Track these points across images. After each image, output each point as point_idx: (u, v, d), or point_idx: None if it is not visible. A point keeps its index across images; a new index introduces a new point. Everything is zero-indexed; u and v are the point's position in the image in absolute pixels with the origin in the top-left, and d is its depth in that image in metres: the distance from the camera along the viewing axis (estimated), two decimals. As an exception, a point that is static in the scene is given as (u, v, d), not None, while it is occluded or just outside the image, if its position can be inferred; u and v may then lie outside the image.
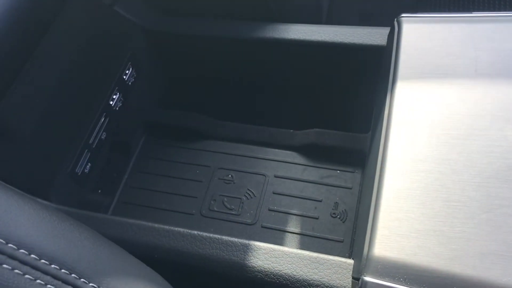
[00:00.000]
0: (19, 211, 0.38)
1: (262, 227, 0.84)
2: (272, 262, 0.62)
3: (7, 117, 0.70)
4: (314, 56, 0.89)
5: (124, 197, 0.93)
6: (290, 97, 1.00)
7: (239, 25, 0.92)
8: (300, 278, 0.60)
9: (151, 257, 0.66)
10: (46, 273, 0.36)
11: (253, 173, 0.91)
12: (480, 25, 0.69)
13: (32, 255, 0.36)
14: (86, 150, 0.85)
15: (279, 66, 0.94)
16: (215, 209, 0.88)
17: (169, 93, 1.08)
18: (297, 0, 1.04)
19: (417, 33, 0.70)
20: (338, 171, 0.88)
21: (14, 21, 0.65)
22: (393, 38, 0.71)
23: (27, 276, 0.35)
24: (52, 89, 0.76)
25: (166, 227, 0.68)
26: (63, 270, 0.37)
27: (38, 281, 0.35)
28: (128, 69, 0.93)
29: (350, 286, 0.58)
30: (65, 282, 0.36)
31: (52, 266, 0.36)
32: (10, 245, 0.35)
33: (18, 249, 0.35)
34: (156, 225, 0.68)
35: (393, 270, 0.51)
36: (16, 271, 0.34)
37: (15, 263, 0.35)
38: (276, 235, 0.83)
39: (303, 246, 0.81)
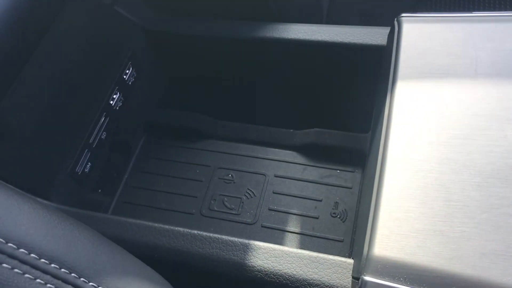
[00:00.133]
0: (19, 210, 0.38)
1: (262, 226, 0.84)
2: (272, 262, 0.62)
3: (7, 116, 0.70)
4: (314, 56, 0.89)
5: (124, 196, 0.93)
6: (290, 96, 1.00)
7: (239, 25, 0.92)
8: (300, 277, 0.60)
9: (151, 257, 0.66)
10: (45, 272, 0.36)
11: (253, 173, 0.91)
12: (480, 25, 0.69)
13: (32, 255, 0.36)
14: (86, 150, 0.85)
15: (279, 66, 0.94)
16: (215, 208, 0.88)
17: (169, 93, 1.08)
18: (297, 0, 1.04)
19: (417, 33, 0.70)
20: (338, 171, 0.88)
21: (14, 21, 0.65)
22: (393, 38, 0.71)
23: (26, 275, 0.35)
24: (52, 89, 0.76)
25: (166, 226, 0.68)
26: (63, 270, 0.37)
27: (38, 280, 0.35)
28: (128, 69, 0.93)
29: (350, 286, 0.58)
30: (65, 281, 0.36)
31: (52, 265, 0.36)
32: (10, 244, 0.35)
33: (18, 248, 0.35)
34: (156, 225, 0.68)
35: (393, 270, 0.51)
36: (16, 270, 0.34)
37: (15, 262, 0.35)
38: (276, 235, 0.83)
39: (303, 246, 0.81)
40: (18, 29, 0.66)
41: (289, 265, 0.61)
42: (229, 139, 0.96)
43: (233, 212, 0.87)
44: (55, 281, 0.36)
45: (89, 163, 0.87)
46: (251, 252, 0.63)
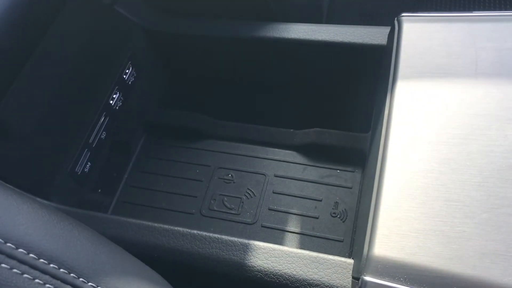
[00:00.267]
0: (17, 210, 0.38)
1: (262, 226, 0.84)
2: (272, 262, 0.62)
3: (7, 116, 0.70)
4: (314, 56, 0.89)
5: (124, 196, 0.93)
6: (290, 96, 1.00)
7: (239, 24, 0.92)
8: (300, 277, 0.60)
9: (151, 257, 0.66)
10: (44, 272, 0.36)
11: (253, 173, 0.91)
12: (480, 25, 0.69)
13: (31, 255, 0.35)
14: (86, 150, 0.85)
15: (279, 65, 0.94)
16: (215, 208, 0.88)
17: (169, 93, 1.08)
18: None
19: (418, 33, 0.69)
20: (338, 171, 0.88)
21: (14, 21, 0.65)
22: (394, 38, 0.71)
23: (25, 275, 0.35)
24: (52, 89, 0.76)
25: (166, 226, 0.68)
26: (62, 270, 0.37)
27: (36, 280, 0.35)
28: (128, 69, 0.93)
29: (350, 286, 0.58)
30: (64, 281, 0.36)
31: (51, 265, 0.36)
32: (8, 244, 0.35)
33: (17, 248, 0.35)
34: (156, 225, 0.68)
35: (393, 270, 0.51)
36: (15, 270, 0.34)
37: (14, 262, 0.34)
38: (276, 235, 0.83)
39: (303, 246, 0.81)
40: (18, 28, 0.66)
41: (289, 265, 0.61)
42: (229, 139, 0.96)
43: (233, 212, 0.87)
44: (54, 281, 0.36)
45: (88, 163, 0.87)
46: (251, 252, 0.63)
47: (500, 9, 1.17)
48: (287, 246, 0.72)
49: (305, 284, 0.60)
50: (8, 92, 0.68)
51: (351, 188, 0.86)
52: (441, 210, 0.53)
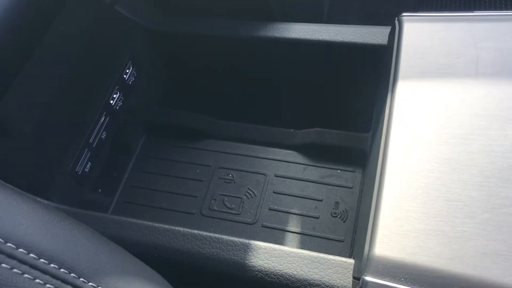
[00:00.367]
0: (18, 210, 0.38)
1: (262, 226, 0.84)
2: (273, 262, 0.62)
3: (7, 116, 0.70)
4: (315, 55, 0.89)
5: (124, 196, 0.93)
6: (291, 96, 1.00)
7: (240, 24, 0.92)
8: (301, 277, 0.60)
9: (151, 257, 0.66)
10: (45, 272, 0.35)
11: (254, 173, 0.91)
12: (481, 24, 0.69)
13: (31, 254, 0.35)
14: (86, 149, 0.85)
15: (280, 65, 0.94)
16: (216, 208, 0.88)
17: (170, 93, 1.08)
18: (298, -1, 1.04)
19: (418, 32, 0.69)
20: (339, 171, 0.88)
21: (15, 20, 0.65)
22: (394, 37, 0.71)
23: (26, 275, 0.34)
24: (52, 88, 0.76)
25: (166, 226, 0.68)
26: (62, 270, 0.36)
27: (37, 280, 0.35)
28: (129, 69, 0.93)
29: (351, 286, 0.58)
30: (64, 281, 0.36)
31: (51, 265, 0.36)
32: (9, 244, 0.35)
33: (17, 248, 0.35)
34: (156, 225, 0.68)
35: (393, 270, 0.51)
36: (15, 270, 0.34)
37: (14, 262, 0.34)
38: (276, 235, 0.83)
39: (303, 246, 0.81)
40: (18, 28, 0.66)
41: (289, 265, 0.61)
42: (230, 139, 0.96)
43: (233, 212, 0.87)
44: (54, 281, 0.36)
45: (89, 163, 0.87)
46: (252, 252, 0.63)
47: (500, 8, 1.17)
48: (287, 246, 0.72)
49: (306, 284, 0.60)
50: (8, 91, 0.68)
51: (351, 188, 0.86)
52: (441, 210, 0.53)
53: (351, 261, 0.60)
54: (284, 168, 0.91)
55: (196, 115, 0.98)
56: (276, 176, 0.90)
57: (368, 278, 0.51)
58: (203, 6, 0.97)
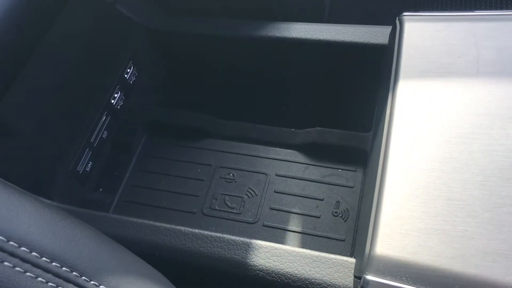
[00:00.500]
0: (20, 208, 0.38)
1: (263, 225, 0.84)
2: (274, 261, 0.62)
3: (8, 115, 0.70)
4: (316, 55, 0.89)
5: (125, 195, 0.93)
6: (292, 95, 1.00)
7: (241, 24, 0.92)
8: (302, 276, 0.60)
9: (153, 256, 0.66)
10: (47, 271, 0.36)
11: (255, 172, 0.91)
12: (482, 24, 0.69)
13: (33, 253, 0.35)
14: (88, 149, 0.85)
15: (281, 65, 0.94)
16: (217, 207, 0.88)
17: (171, 92, 1.08)
18: (298, -2, 1.04)
19: (419, 32, 0.69)
20: (340, 170, 0.88)
21: (16, 20, 0.65)
22: (395, 37, 0.71)
23: (28, 274, 0.35)
24: (53, 88, 0.76)
25: (168, 225, 0.68)
26: (64, 268, 0.37)
27: (39, 279, 0.35)
28: (130, 68, 0.93)
29: (352, 285, 0.58)
30: (66, 280, 0.36)
31: (53, 264, 0.36)
32: (11, 242, 0.35)
33: (19, 247, 0.35)
34: (157, 224, 0.68)
35: (395, 269, 0.51)
36: (17, 268, 0.34)
37: (16, 260, 0.34)
38: (277, 234, 0.83)
39: (304, 245, 0.81)
40: (19, 27, 0.66)
41: (290, 264, 0.61)
42: (231, 138, 0.96)
43: (234, 211, 0.87)
44: (56, 279, 0.36)
45: (90, 162, 0.87)
46: (253, 251, 0.63)
47: (501, 8, 1.17)
48: (288, 245, 0.72)
49: (307, 283, 0.60)
50: (9, 91, 0.68)
51: (352, 187, 0.86)
52: (443, 209, 0.53)
53: (352, 260, 0.60)
54: (285, 167, 0.91)
55: (197, 115, 0.98)
56: (277, 175, 0.90)
57: (369, 277, 0.51)
58: (204, 6, 0.98)
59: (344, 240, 0.81)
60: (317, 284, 0.59)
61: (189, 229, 0.67)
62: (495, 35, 0.67)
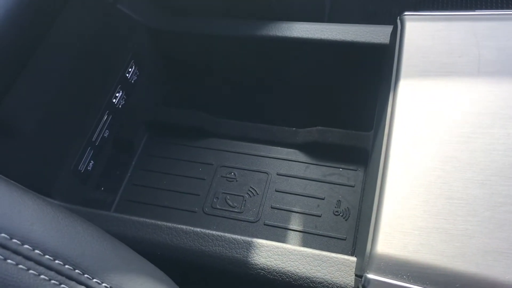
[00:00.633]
0: (23, 206, 0.38)
1: (264, 224, 0.85)
2: (275, 260, 0.62)
3: (10, 114, 0.70)
4: (317, 55, 0.89)
5: (126, 194, 0.93)
6: (293, 95, 1.01)
7: (242, 23, 0.92)
8: (303, 275, 0.60)
9: (154, 254, 0.66)
10: (50, 268, 0.36)
11: (256, 171, 0.91)
12: (483, 23, 0.69)
13: (36, 251, 0.36)
14: (89, 148, 0.86)
15: (282, 64, 0.94)
16: (218, 206, 0.88)
17: (172, 91, 1.09)
18: (299, -2, 1.04)
19: (420, 31, 0.70)
20: (341, 169, 0.88)
21: (17, 19, 0.65)
22: (396, 36, 0.71)
23: (31, 271, 0.35)
24: (54, 87, 0.77)
25: (169, 224, 0.68)
26: (67, 266, 0.37)
27: (42, 276, 0.35)
28: (131, 67, 0.93)
29: (353, 284, 0.58)
30: (69, 277, 0.36)
31: (56, 261, 0.36)
32: (14, 240, 0.35)
33: (22, 244, 0.35)
34: (158, 222, 0.68)
35: (396, 268, 0.51)
36: (20, 266, 0.34)
37: (19, 258, 0.35)
38: (278, 233, 0.83)
39: (305, 244, 0.81)
40: (20, 27, 0.66)
41: (291, 263, 0.61)
42: (232, 138, 0.96)
43: (235, 210, 0.87)
44: (59, 277, 0.36)
45: (91, 161, 0.87)
46: (254, 250, 0.63)
47: (501, 8, 1.17)
48: (289, 244, 0.72)
49: (308, 282, 0.60)
50: (10, 90, 0.69)
51: (353, 186, 0.86)
52: (444, 208, 0.54)
53: (353, 259, 0.60)
54: (286, 166, 0.91)
55: (198, 114, 0.98)
56: (278, 174, 0.90)
57: (370, 276, 0.51)
58: (206, 6, 0.98)
59: (345, 239, 0.81)
60: (318, 282, 0.59)
61: (190, 228, 0.67)
62: (496, 35, 0.67)
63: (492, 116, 0.59)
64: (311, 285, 0.60)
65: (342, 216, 0.83)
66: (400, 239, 0.52)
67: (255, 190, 0.89)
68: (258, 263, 0.62)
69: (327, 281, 0.59)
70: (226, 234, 0.65)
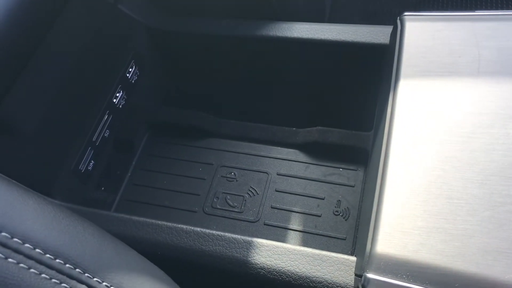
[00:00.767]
0: (24, 206, 0.38)
1: (264, 224, 0.85)
2: (275, 259, 0.62)
3: (10, 114, 0.70)
4: (317, 55, 0.89)
5: (127, 194, 0.93)
6: (293, 95, 1.01)
7: (242, 23, 0.92)
8: (303, 275, 0.60)
9: (154, 254, 0.67)
10: (51, 267, 0.36)
11: (256, 171, 0.91)
12: (482, 24, 0.69)
13: (37, 250, 0.36)
14: (90, 148, 0.86)
15: (282, 64, 0.94)
16: (218, 206, 0.88)
17: (172, 91, 1.09)
18: (300, -2, 1.04)
19: (420, 32, 0.70)
20: (341, 169, 0.88)
21: (17, 19, 0.65)
22: (396, 37, 0.71)
23: (32, 270, 0.35)
24: (55, 87, 0.77)
25: (169, 224, 0.68)
26: (67, 265, 0.37)
27: (43, 275, 0.35)
28: (131, 67, 0.93)
29: (353, 283, 0.58)
30: (70, 276, 0.37)
31: (57, 260, 0.36)
32: (15, 239, 0.35)
33: (23, 243, 0.35)
34: (159, 222, 0.68)
35: (395, 267, 0.51)
36: (21, 265, 0.34)
37: (20, 257, 0.35)
38: (278, 233, 0.83)
39: (305, 244, 0.81)
40: (21, 27, 0.66)
41: (291, 262, 0.61)
42: (232, 138, 0.96)
43: (235, 210, 0.87)
44: (60, 276, 0.36)
45: (92, 161, 0.87)
46: (254, 249, 0.63)
47: (501, 8, 1.17)
48: (289, 244, 0.72)
49: (308, 281, 0.60)
50: (12, 89, 0.69)
51: (353, 186, 0.86)
52: (443, 208, 0.54)
53: (353, 258, 0.60)
54: (286, 166, 0.91)
55: (199, 114, 0.98)
56: (278, 174, 0.90)
57: (370, 275, 0.51)
58: (206, 6, 0.98)
59: (345, 239, 0.81)
60: (318, 282, 0.60)
61: (190, 227, 0.67)
62: (496, 35, 0.67)
63: (492, 116, 0.59)
64: (311, 284, 0.60)
65: (342, 216, 0.83)
66: (400, 238, 0.53)
67: (255, 190, 0.89)
68: (258, 262, 0.62)
69: (327, 281, 0.59)
70: (226, 234, 0.66)
